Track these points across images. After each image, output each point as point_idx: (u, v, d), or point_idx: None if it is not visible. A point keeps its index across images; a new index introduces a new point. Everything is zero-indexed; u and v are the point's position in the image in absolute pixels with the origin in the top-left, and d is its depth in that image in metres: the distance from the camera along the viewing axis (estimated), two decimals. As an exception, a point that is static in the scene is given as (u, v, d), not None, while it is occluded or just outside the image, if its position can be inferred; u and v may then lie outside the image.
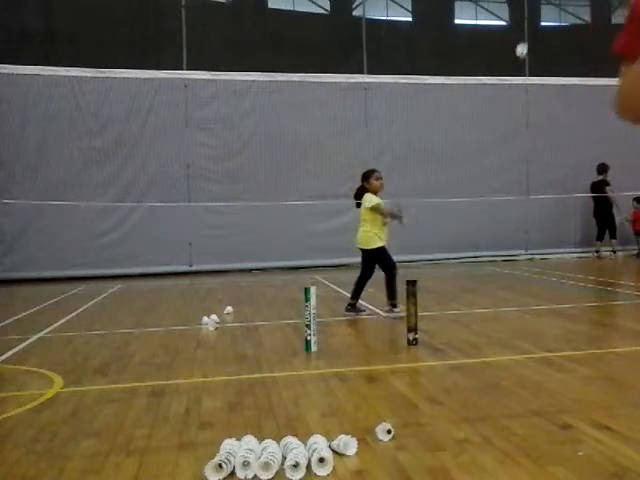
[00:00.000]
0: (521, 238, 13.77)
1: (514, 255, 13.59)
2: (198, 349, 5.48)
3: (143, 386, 4.23)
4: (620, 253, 13.68)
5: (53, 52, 14.01)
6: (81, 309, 8.08)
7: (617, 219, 13.54)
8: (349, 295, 7.13)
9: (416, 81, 13.37)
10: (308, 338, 5.11)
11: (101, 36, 14.80)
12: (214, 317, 6.59)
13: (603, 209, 13.55)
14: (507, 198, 13.28)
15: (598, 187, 13.53)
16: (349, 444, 2.92)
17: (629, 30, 1.32)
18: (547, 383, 4.02)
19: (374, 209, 6.73)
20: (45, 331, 6.47)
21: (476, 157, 13.39)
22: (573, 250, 14.08)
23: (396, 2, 20.96)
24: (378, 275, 6.94)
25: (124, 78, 12.13)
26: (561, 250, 13.91)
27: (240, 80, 12.67)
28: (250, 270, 12.43)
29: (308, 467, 2.73)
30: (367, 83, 13.29)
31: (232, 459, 2.76)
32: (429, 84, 13.33)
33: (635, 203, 13.74)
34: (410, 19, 21.12)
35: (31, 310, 8.04)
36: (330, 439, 2.96)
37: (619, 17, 21.02)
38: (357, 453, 2.91)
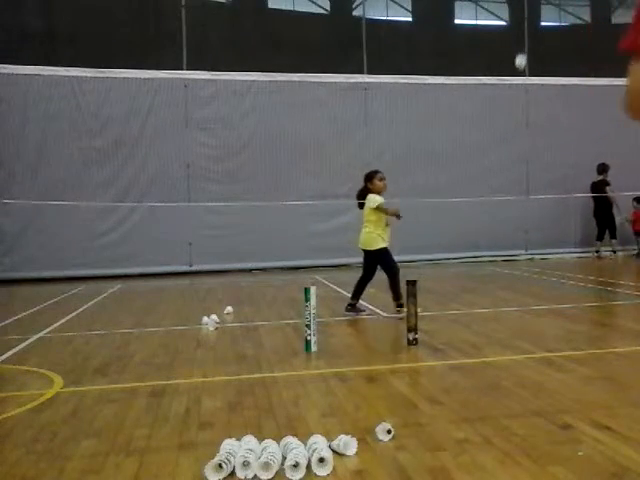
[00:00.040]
0: (521, 238, 13.77)
1: (514, 255, 13.60)
2: (198, 349, 5.48)
3: (143, 386, 4.23)
4: (620, 253, 13.68)
5: (53, 52, 14.00)
6: (81, 309, 8.08)
7: (617, 219, 13.55)
8: (349, 295, 7.13)
9: (416, 81, 13.36)
10: (308, 338, 5.11)
11: (101, 36, 14.80)
12: (214, 317, 6.59)
13: (603, 209, 13.55)
14: (507, 198, 13.28)
15: (598, 187, 13.53)
16: (349, 444, 2.92)
17: (637, 28, 1.32)
18: (547, 383, 4.02)
19: (379, 209, 6.71)
20: (45, 331, 6.47)
21: (476, 157, 13.39)
22: (573, 250, 14.08)
23: (396, 2, 20.96)
24: (379, 275, 6.94)
25: (124, 78, 12.13)
26: (561, 250, 13.91)
27: (240, 80, 12.67)
28: (250, 270, 12.43)
29: (308, 467, 2.73)
30: (367, 83, 13.29)
31: (232, 459, 2.76)
32: (429, 84, 13.33)
33: (635, 203, 13.75)
34: (410, 19, 21.11)
35: (31, 310, 8.04)
36: (330, 439, 2.96)
37: (619, 17, 21.03)
38: (357, 453, 2.91)
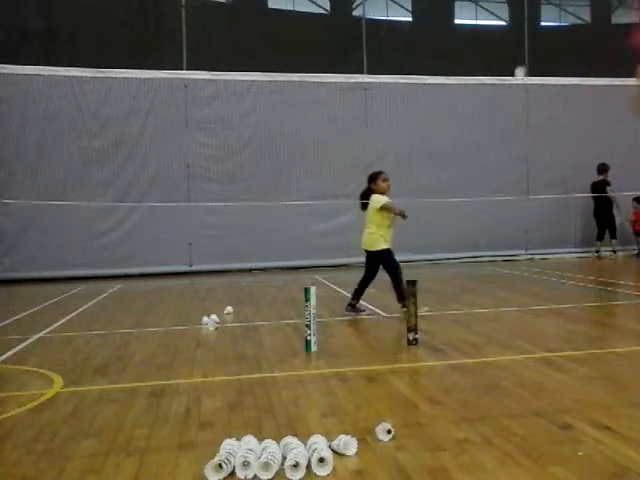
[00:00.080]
0: (521, 238, 13.77)
1: (514, 255, 13.60)
2: (198, 349, 5.48)
3: (143, 386, 4.23)
4: (620, 253, 13.68)
5: (53, 52, 14.01)
6: (81, 309, 8.08)
7: (617, 219, 13.55)
8: (349, 295, 7.13)
9: (416, 81, 13.37)
10: (308, 338, 5.11)
11: (101, 36, 14.81)
12: (214, 317, 6.59)
13: (603, 209, 13.55)
14: (507, 198, 13.28)
15: (598, 187, 13.53)
16: (349, 444, 2.92)
17: None
18: (547, 383, 4.02)
19: (385, 208, 6.67)
20: (45, 331, 6.47)
21: (476, 157, 13.40)
22: (573, 250, 14.09)
23: (396, 2, 20.96)
24: (379, 276, 6.94)
25: (124, 78, 12.13)
26: (561, 250, 13.91)
27: (240, 80, 12.67)
28: (250, 270, 12.43)
29: (308, 467, 2.73)
30: (367, 83, 13.30)
31: (232, 459, 2.76)
32: (429, 84, 13.33)
33: (635, 203, 13.75)
34: (410, 19, 21.12)
35: (31, 310, 8.04)
36: (330, 439, 2.96)
37: (619, 17, 21.03)
38: (357, 453, 2.91)
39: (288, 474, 2.69)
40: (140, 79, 12.22)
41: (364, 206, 6.93)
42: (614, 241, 13.53)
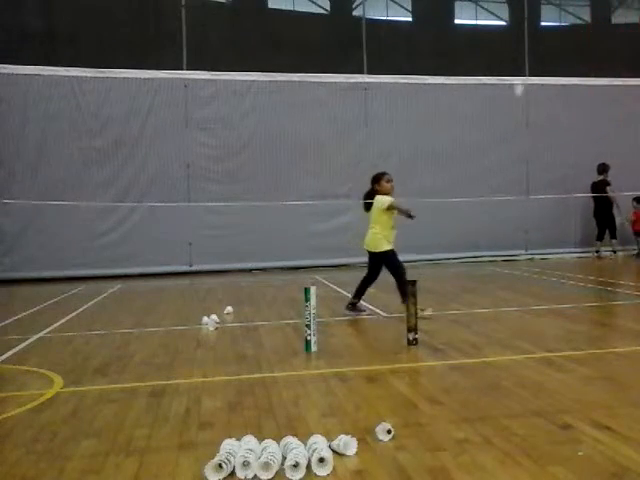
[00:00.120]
0: (521, 238, 13.77)
1: (514, 255, 13.60)
2: (198, 349, 5.48)
3: (143, 386, 4.24)
4: (620, 253, 13.68)
5: (53, 52, 13.98)
6: (81, 309, 8.08)
7: (617, 219, 13.54)
8: (349, 295, 7.13)
9: (416, 81, 13.34)
10: (308, 338, 5.11)
11: (101, 36, 14.78)
12: (214, 317, 6.59)
13: (603, 209, 13.55)
14: (507, 198, 13.27)
15: (599, 187, 13.53)
16: (349, 444, 2.92)
17: None
18: (547, 383, 4.02)
19: (391, 208, 6.64)
20: (45, 331, 6.47)
21: (476, 157, 13.40)
22: (573, 250, 14.09)
23: (396, 2, 20.94)
24: (380, 276, 6.93)
25: (124, 78, 12.11)
26: (561, 250, 13.91)
27: (240, 80, 12.65)
28: (250, 270, 12.44)
29: (308, 467, 2.73)
30: (367, 83, 13.28)
31: (232, 459, 2.76)
32: (429, 84, 13.30)
33: (635, 203, 13.75)
34: (410, 19, 21.08)
35: (31, 310, 8.04)
36: (330, 439, 2.96)
37: (619, 17, 21.01)
38: (357, 453, 2.91)
39: (288, 474, 2.69)
40: (140, 79, 12.20)
41: (367, 207, 6.87)
42: (614, 241, 13.53)
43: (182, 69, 12.81)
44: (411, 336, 5.22)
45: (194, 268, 12.40)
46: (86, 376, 4.58)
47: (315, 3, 20.03)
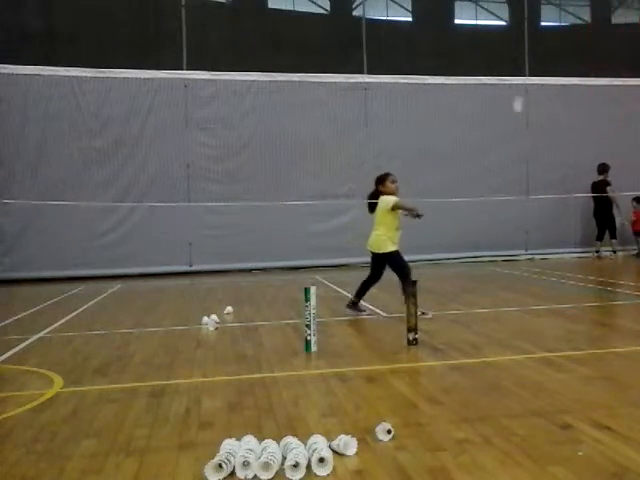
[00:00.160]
0: (521, 238, 13.77)
1: (514, 255, 13.60)
2: (198, 349, 5.48)
3: (143, 386, 4.24)
4: (620, 253, 13.68)
5: (53, 52, 13.98)
6: (81, 309, 8.08)
7: (617, 220, 13.54)
8: (349, 295, 7.13)
9: (416, 81, 13.35)
10: (308, 338, 5.12)
11: (101, 36, 14.78)
12: (214, 317, 6.59)
13: (603, 209, 13.55)
14: (507, 198, 13.28)
15: (599, 187, 13.53)
16: (349, 444, 2.92)
17: None
18: (547, 383, 4.02)
19: (397, 207, 6.58)
20: (45, 331, 6.47)
21: (476, 157, 13.39)
22: (573, 250, 14.09)
23: (396, 2, 20.94)
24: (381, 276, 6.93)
25: (124, 78, 12.12)
26: (561, 250, 13.91)
27: (240, 80, 12.66)
28: (250, 270, 12.44)
29: (308, 467, 2.73)
30: (367, 83, 13.29)
31: (232, 459, 2.76)
32: (429, 84, 13.31)
33: (635, 203, 13.75)
34: (410, 19, 21.08)
35: (31, 310, 8.04)
36: (330, 439, 2.96)
37: (619, 17, 21.01)
38: (357, 453, 2.91)
39: (288, 474, 2.69)
40: (140, 79, 12.21)
41: (372, 208, 6.81)
42: (614, 241, 13.53)
43: (182, 69, 12.81)
44: (411, 336, 5.22)
45: (194, 268, 12.40)
46: (86, 376, 4.58)
47: (315, 3, 20.03)
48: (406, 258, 6.78)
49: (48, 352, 5.50)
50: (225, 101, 12.68)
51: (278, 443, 2.92)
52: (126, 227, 12.28)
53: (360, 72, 13.69)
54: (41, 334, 6.31)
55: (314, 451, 2.78)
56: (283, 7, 19.18)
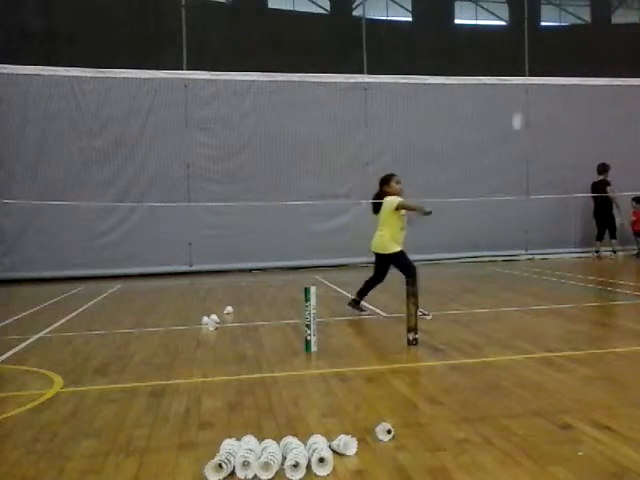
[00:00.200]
0: (521, 238, 13.77)
1: (514, 255, 13.60)
2: (198, 349, 5.48)
3: (143, 386, 4.24)
4: (620, 253, 13.68)
5: (53, 52, 13.98)
6: (81, 309, 8.08)
7: (617, 220, 13.54)
8: (349, 295, 7.13)
9: (416, 81, 13.32)
10: (308, 338, 5.11)
11: (101, 36, 14.78)
12: (214, 317, 6.59)
13: (603, 209, 13.55)
14: (507, 198, 13.27)
15: (599, 187, 13.53)
16: (349, 444, 2.92)
17: None
18: (547, 383, 4.02)
19: (401, 207, 6.56)
20: (45, 331, 6.47)
21: (476, 157, 13.40)
22: (573, 250, 14.09)
23: (396, 2, 20.94)
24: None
25: (124, 78, 12.09)
26: (561, 250, 13.91)
27: (240, 80, 12.64)
28: (250, 270, 12.43)
29: (308, 467, 2.73)
30: (367, 83, 13.28)
31: (232, 459, 2.76)
32: (429, 84, 13.29)
33: (634, 203, 13.74)
34: (410, 19, 21.08)
35: (31, 310, 8.04)
36: (330, 439, 2.96)
37: (619, 17, 21.01)
38: (357, 453, 2.91)
39: (288, 474, 2.69)
40: (140, 79, 12.19)
41: (376, 209, 6.78)
42: (614, 241, 13.53)
43: (182, 69, 12.81)
44: (411, 336, 5.22)
45: (194, 268, 12.40)
46: (86, 376, 4.58)
47: (315, 3, 20.03)
48: (407, 258, 6.74)
49: (48, 352, 5.50)
50: (225, 101, 12.68)
51: (278, 443, 2.92)
52: (126, 227, 12.28)
53: (360, 72, 13.69)
54: (41, 334, 6.31)
55: (314, 451, 2.78)
56: (283, 7, 19.18)
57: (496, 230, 13.32)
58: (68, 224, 11.81)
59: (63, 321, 7.13)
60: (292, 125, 12.74)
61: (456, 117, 13.25)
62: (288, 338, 5.76)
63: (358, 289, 6.93)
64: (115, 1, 15.97)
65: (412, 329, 5.22)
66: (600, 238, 13.60)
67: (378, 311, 7.03)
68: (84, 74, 11.90)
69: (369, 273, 6.95)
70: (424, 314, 6.37)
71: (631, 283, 9.53)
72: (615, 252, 13.51)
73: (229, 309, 7.32)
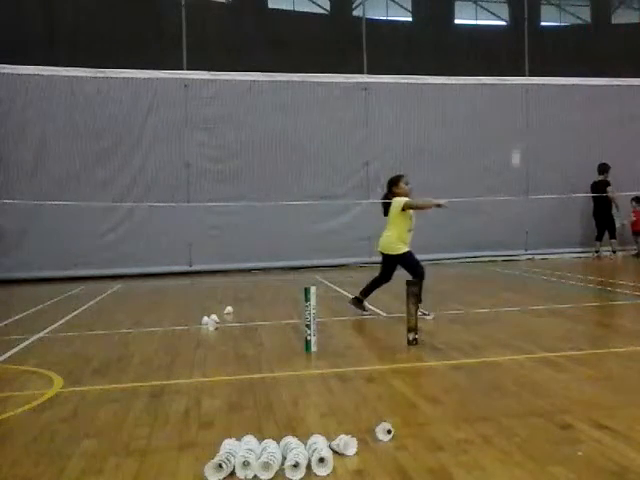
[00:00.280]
0: (521, 238, 13.77)
1: (514, 255, 13.60)
2: (198, 349, 5.48)
3: (143, 386, 4.23)
4: (620, 253, 13.67)
5: (53, 52, 14.00)
6: (81, 309, 8.08)
7: (617, 221, 13.53)
8: (349, 295, 7.13)
9: (416, 81, 13.35)
10: (308, 338, 5.11)
11: (101, 36, 14.79)
12: (214, 317, 6.59)
13: (603, 209, 13.54)
14: (507, 198, 13.27)
15: (599, 187, 13.52)
16: (349, 444, 2.92)
17: None
18: (547, 383, 4.02)
19: (407, 206, 6.53)
20: (45, 331, 6.47)
21: (476, 157, 13.39)
22: (573, 250, 14.08)
23: (396, 2, 20.95)
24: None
25: (124, 78, 12.12)
26: (561, 250, 13.91)
27: (240, 80, 12.66)
28: (250, 270, 12.43)
29: (308, 467, 2.73)
30: (367, 83, 13.29)
31: (232, 459, 2.76)
32: (429, 84, 13.32)
33: (634, 203, 13.74)
34: (410, 19, 21.10)
35: (31, 310, 8.04)
36: (330, 439, 2.96)
37: (619, 17, 21.02)
38: (357, 453, 2.91)
39: (288, 474, 2.69)
40: (140, 79, 12.21)
41: (386, 211, 6.75)
42: (613, 241, 13.52)
43: (182, 69, 12.82)
44: (411, 336, 5.22)
45: (194, 268, 12.40)
46: (86, 376, 4.58)
47: (315, 3, 20.04)
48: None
49: (48, 352, 5.50)
50: (225, 101, 12.67)
51: (278, 443, 2.92)
52: (126, 227, 12.27)
53: (360, 72, 13.70)
54: (41, 334, 6.31)
55: (314, 451, 2.78)
56: (283, 7, 19.20)
57: (496, 230, 13.32)
58: (68, 224, 11.79)
59: (63, 321, 7.13)
60: (292, 125, 12.75)
61: (456, 117, 13.26)
62: (288, 338, 5.75)
63: (363, 287, 6.92)
64: (115, 1, 15.98)
65: (412, 329, 5.22)
66: (600, 238, 13.59)
67: (378, 311, 7.03)
68: (84, 74, 11.94)
69: (369, 273, 6.96)
70: (425, 314, 6.38)
71: (631, 283, 9.53)
72: (615, 252, 13.51)
73: (229, 309, 7.32)
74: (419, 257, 6.69)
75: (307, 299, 5.15)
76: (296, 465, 2.69)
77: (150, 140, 12.36)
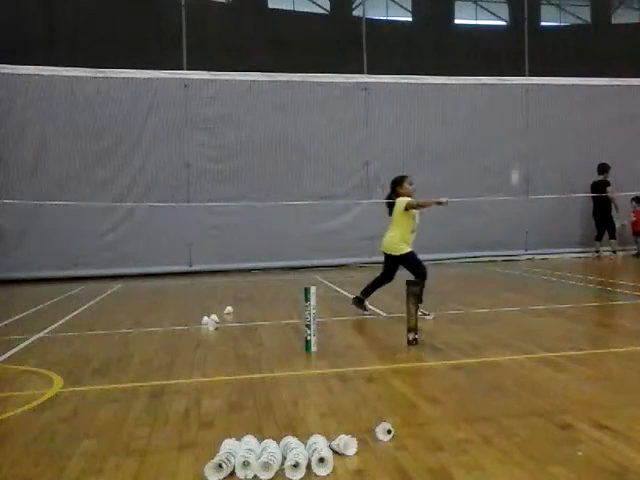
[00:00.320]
0: (521, 238, 13.77)
1: (514, 255, 13.60)
2: (198, 349, 5.48)
3: (143, 386, 4.23)
4: (620, 253, 13.67)
5: (53, 52, 14.00)
6: (81, 309, 8.08)
7: (616, 222, 13.52)
8: (349, 295, 7.12)
9: (416, 81, 13.35)
10: (308, 338, 5.11)
11: (101, 36, 14.80)
12: (214, 317, 6.59)
13: (602, 209, 13.54)
14: (507, 198, 13.27)
15: (599, 187, 13.52)
16: (349, 444, 2.92)
17: None
18: (547, 383, 4.02)
19: (410, 207, 6.52)
20: (45, 331, 6.47)
21: (476, 157, 13.39)
22: (573, 250, 14.08)
23: (396, 2, 20.95)
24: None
25: (124, 78, 12.12)
26: (561, 250, 13.91)
27: (240, 80, 12.66)
28: (250, 270, 12.43)
29: (308, 467, 2.73)
30: (367, 83, 13.29)
31: (232, 459, 2.76)
32: (429, 84, 13.32)
33: (634, 203, 13.74)
34: (410, 19, 21.10)
35: (31, 310, 8.04)
36: (330, 439, 2.96)
37: (619, 17, 21.02)
38: (357, 453, 2.91)
39: (288, 474, 2.69)
40: (140, 79, 12.21)
41: (391, 211, 6.74)
42: (613, 241, 13.52)
43: (182, 69, 12.82)
44: (411, 336, 5.22)
45: (194, 268, 12.40)
46: (86, 376, 4.58)
47: (315, 3, 20.04)
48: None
49: (48, 352, 5.50)
50: (225, 101, 12.67)
51: (278, 443, 2.92)
52: (126, 227, 12.27)
53: (360, 72, 13.71)
54: (41, 334, 6.31)
55: (314, 451, 2.78)
56: (283, 7, 19.21)
57: (496, 230, 13.32)
58: (68, 224, 11.79)
59: (63, 321, 7.13)
60: (292, 125, 12.75)
61: (456, 117, 13.25)
62: (288, 338, 5.75)
63: (364, 287, 6.92)
64: (115, 1, 15.98)
65: (412, 329, 5.22)
66: (599, 238, 13.59)
67: (379, 311, 7.03)
68: (84, 74, 11.94)
69: (369, 273, 6.96)
70: (425, 314, 6.38)
71: (631, 283, 9.53)
72: (615, 252, 13.51)
73: (229, 309, 7.32)
74: (420, 257, 6.69)
75: (307, 299, 5.15)
76: (296, 465, 2.69)
77: (150, 140, 12.36)
